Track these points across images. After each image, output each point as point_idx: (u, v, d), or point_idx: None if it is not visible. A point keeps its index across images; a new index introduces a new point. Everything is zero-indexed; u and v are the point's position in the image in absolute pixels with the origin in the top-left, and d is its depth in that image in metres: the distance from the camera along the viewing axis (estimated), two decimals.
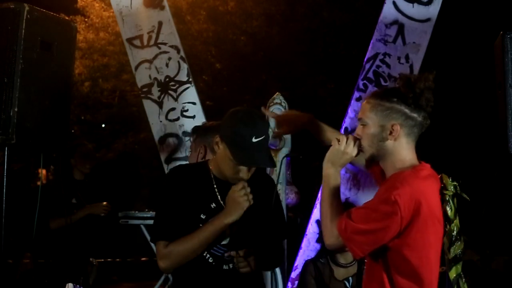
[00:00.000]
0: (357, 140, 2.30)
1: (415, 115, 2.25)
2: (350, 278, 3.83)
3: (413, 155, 2.30)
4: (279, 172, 4.08)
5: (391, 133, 2.24)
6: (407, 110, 2.24)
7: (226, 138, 2.51)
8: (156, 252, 2.58)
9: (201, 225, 2.51)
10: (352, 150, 2.28)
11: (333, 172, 2.28)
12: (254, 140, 2.44)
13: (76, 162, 5.24)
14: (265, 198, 2.63)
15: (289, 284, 4.68)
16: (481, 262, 6.60)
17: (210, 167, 2.63)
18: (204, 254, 2.55)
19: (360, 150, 2.30)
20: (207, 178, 2.61)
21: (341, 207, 2.27)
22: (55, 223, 4.95)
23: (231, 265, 2.55)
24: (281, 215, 2.76)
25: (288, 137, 4.92)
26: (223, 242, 2.56)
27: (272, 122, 4.74)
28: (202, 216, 2.54)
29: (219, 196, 2.57)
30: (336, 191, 2.27)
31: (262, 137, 2.46)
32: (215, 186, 2.59)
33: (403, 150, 2.27)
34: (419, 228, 2.17)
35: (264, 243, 2.60)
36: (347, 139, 2.30)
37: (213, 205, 2.57)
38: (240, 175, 2.51)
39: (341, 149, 2.27)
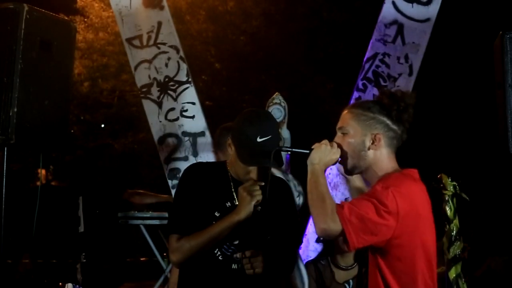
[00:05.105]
0: (338, 146, 2.33)
1: (395, 127, 2.31)
2: (351, 280, 3.83)
3: (395, 164, 2.34)
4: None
5: (373, 142, 2.28)
6: (389, 122, 2.30)
7: (233, 139, 2.55)
8: (168, 245, 2.61)
9: (214, 222, 2.54)
10: (337, 153, 2.30)
11: (321, 168, 2.29)
12: (259, 139, 2.46)
13: (104, 164, 5.38)
14: (280, 204, 2.64)
15: None
16: (481, 262, 6.60)
17: (228, 167, 2.65)
18: (215, 251, 2.57)
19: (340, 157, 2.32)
20: (225, 178, 2.63)
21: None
22: (135, 198, 5.24)
23: (239, 265, 2.56)
24: (295, 222, 2.77)
25: (288, 137, 4.92)
26: (234, 242, 2.58)
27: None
28: (216, 214, 2.56)
29: (235, 196, 2.59)
30: (327, 185, 2.28)
31: (268, 137, 2.47)
32: (232, 185, 2.61)
33: (384, 159, 2.31)
34: (413, 227, 2.19)
35: (275, 248, 2.60)
36: (331, 143, 2.33)
37: (228, 204, 2.59)
38: (251, 176, 2.53)
39: (329, 149, 2.30)
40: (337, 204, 2.19)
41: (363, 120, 2.30)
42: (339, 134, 2.35)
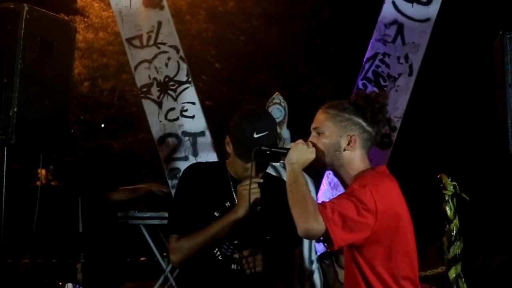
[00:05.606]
0: (313, 145, 2.34)
1: (370, 129, 2.33)
2: None
3: (368, 164, 2.36)
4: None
5: (349, 143, 2.30)
6: (364, 124, 2.32)
7: (231, 136, 2.55)
8: (168, 246, 2.62)
9: (214, 222, 2.54)
10: (313, 152, 2.31)
11: (299, 167, 2.29)
12: (255, 135, 2.46)
13: (104, 164, 5.39)
14: (279, 203, 2.64)
15: None
16: (481, 262, 6.60)
17: (227, 167, 2.65)
18: (215, 251, 2.57)
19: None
20: (224, 177, 2.63)
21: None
22: (118, 195, 5.19)
23: (239, 265, 2.56)
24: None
25: (288, 137, 4.92)
26: (234, 242, 2.58)
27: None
28: (216, 214, 2.56)
29: (234, 196, 2.58)
30: (307, 184, 2.28)
31: (265, 133, 2.47)
32: (231, 185, 2.61)
33: (358, 160, 2.33)
34: (390, 224, 2.20)
35: (275, 248, 2.60)
36: (306, 142, 2.34)
37: (227, 203, 2.59)
38: (249, 173, 2.52)
39: (306, 148, 2.31)
40: (319, 203, 2.20)
41: (339, 121, 2.32)
42: (314, 134, 2.36)
